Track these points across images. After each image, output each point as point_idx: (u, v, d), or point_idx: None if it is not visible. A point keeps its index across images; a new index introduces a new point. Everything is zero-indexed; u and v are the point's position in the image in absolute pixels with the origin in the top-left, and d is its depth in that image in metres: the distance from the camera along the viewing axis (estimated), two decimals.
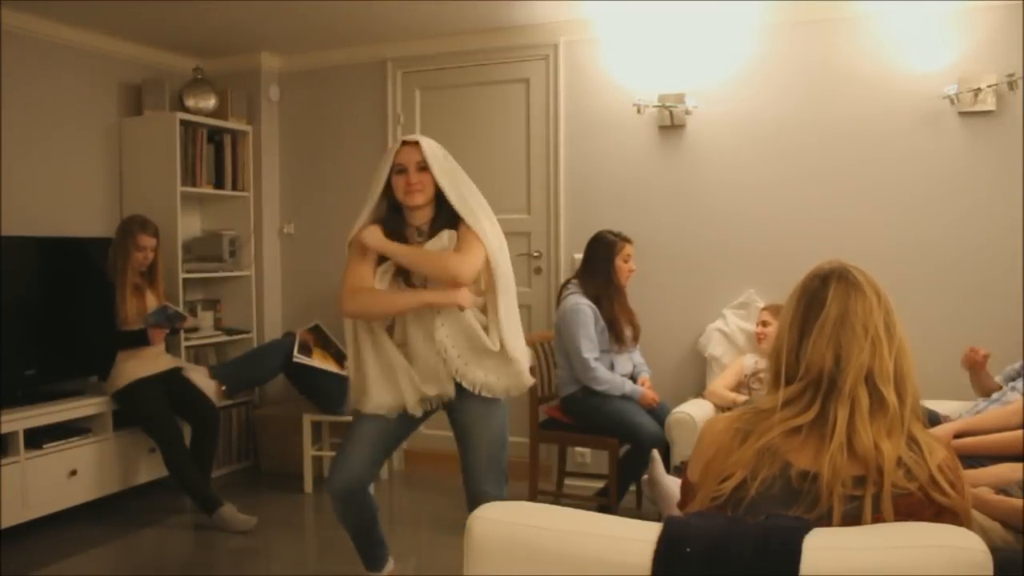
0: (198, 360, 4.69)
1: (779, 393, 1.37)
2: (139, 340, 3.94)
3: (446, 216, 2.58)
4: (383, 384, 2.60)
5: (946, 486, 1.27)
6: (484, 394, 2.60)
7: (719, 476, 1.34)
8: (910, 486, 1.26)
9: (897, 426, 1.31)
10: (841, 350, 1.34)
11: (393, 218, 2.62)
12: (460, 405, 2.66)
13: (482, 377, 2.59)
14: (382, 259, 2.58)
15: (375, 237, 2.54)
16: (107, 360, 3.96)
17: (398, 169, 2.55)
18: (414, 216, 2.59)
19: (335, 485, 2.63)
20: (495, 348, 2.56)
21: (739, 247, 4.11)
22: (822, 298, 1.38)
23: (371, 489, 2.74)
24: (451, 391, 2.62)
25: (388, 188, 2.60)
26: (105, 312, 3.93)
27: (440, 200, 2.58)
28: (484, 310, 2.61)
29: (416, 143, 2.56)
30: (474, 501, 2.64)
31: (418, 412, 2.65)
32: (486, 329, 2.59)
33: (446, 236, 2.55)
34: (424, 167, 2.53)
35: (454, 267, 2.46)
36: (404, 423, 2.71)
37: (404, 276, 2.56)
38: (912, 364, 1.37)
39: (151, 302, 4.07)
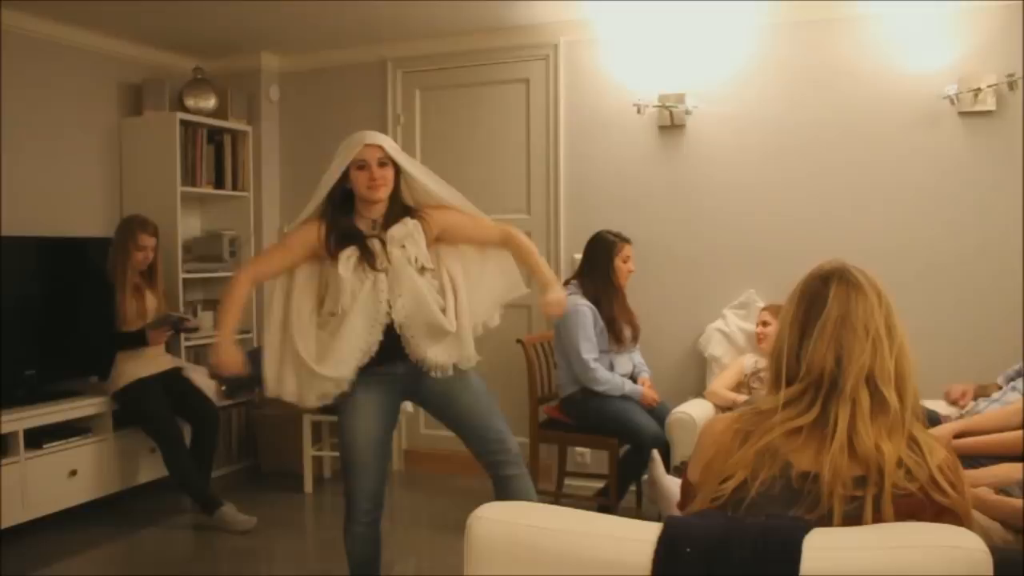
0: (198, 360, 4.69)
1: (780, 394, 1.37)
2: (137, 341, 3.94)
3: (398, 208, 2.66)
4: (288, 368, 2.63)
5: (947, 487, 1.27)
6: (435, 375, 2.62)
7: (719, 477, 1.34)
8: (910, 487, 1.26)
9: (898, 427, 1.31)
10: (842, 351, 1.34)
11: (340, 216, 2.65)
12: (427, 387, 2.67)
13: (439, 357, 2.62)
14: (336, 247, 2.60)
15: (559, 297, 2.85)
16: (107, 360, 3.96)
17: (358, 165, 2.59)
18: (371, 210, 2.65)
19: (362, 516, 2.65)
20: (451, 328, 2.60)
21: (739, 247, 4.11)
22: (823, 298, 1.38)
23: None
24: (335, 389, 2.60)
25: (334, 187, 2.66)
26: (105, 312, 3.92)
27: (393, 194, 2.65)
28: (442, 291, 2.65)
29: (376, 144, 2.61)
30: (486, 444, 2.64)
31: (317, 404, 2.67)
32: (443, 309, 2.62)
33: (411, 223, 2.62)
34: (384, 162, 2.59)
35: (523, 239, 2.77)
36: (389, 420, 2.72)
37: (368, 261, 2.58)
38: (912, 364, 1.37)
39: (151, 302, 4.07)
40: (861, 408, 1.31)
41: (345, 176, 2.62)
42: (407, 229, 2.61)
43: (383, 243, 2.60)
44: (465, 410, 2.67)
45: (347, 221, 2.64)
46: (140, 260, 4.02)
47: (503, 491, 2.64)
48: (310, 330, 2.62)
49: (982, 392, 3.15)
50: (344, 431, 2.65)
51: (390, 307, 2.57)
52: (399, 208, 2.66)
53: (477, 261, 2.76)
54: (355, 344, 2.57)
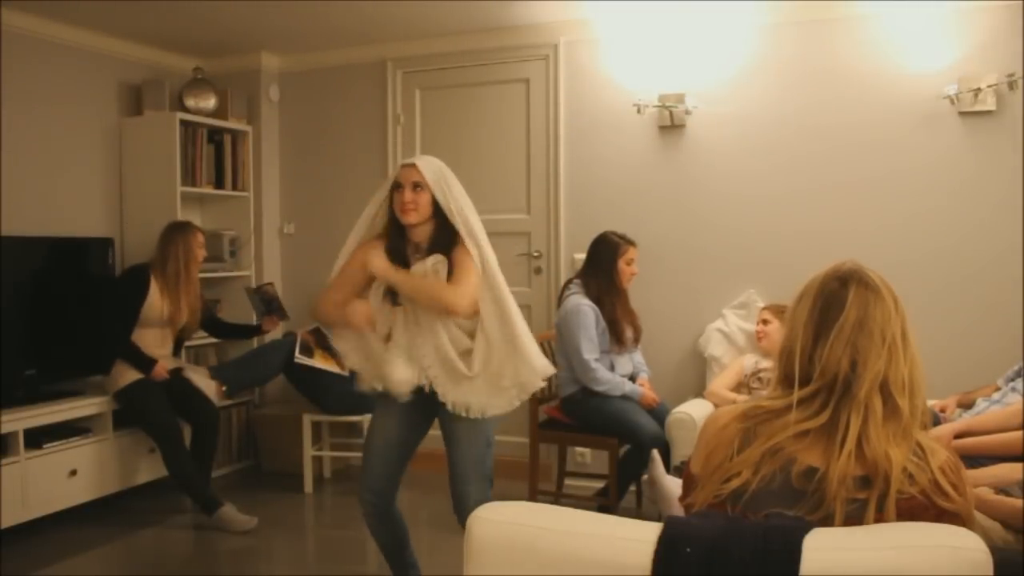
0: (198, 360, 4.69)
1: (793, 394, 1.35)
2: (144, 367, 3.92)
3: (446, 234, 2.59)
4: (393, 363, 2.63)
5: (949, 489, 1.26)
6: (460, 413, 2.61)
7: (723, 475, 1.34)
8: (912, 490, 1.25)
9: (907, 434, 1.30)
10: (858, 355, 1.32)
11: (396, 235, 2.64)
12: (441, 416, 2.70)
13: (459, 397, 2.60)
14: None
15: (379, 263, 2.56)
16: (113, 354, 3.94)
17: (395, 186, 2.59)
18: (414, 233, 2.62)
19: (365, 498, 2.74)
20: (469, 374, 2.56)
21: (739, 247, 4.11)
22: (841, 301, 1.35)
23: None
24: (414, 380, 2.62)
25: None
26: (129, 307, 3.90)
27: (441, 219, 2.59)
28: (472, 334, 2.60)
29: (413, 164, 2.59)
30: (456, 500, 2.69)
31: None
32: (469, 352, 2.58)
33: (430, 261, 2.56)
34: (419, 186, 2.55)
35: (449, 299, 2.47)
36: (411, 427, 2.76)
37: (393, 294, 2.59)
38: (923, 372, 1.35)
39: (186, 308, 4.08)
40: (874, 415, 1.30)
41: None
42: (426, 267, 2.55)
43: None
44: (454, 458, 2.70)
45: (397, 244, 2.62)
46: (202, 257, 4.11)
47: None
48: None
49: (966, 400, 3.15)
50: (370, 425, 2.79)
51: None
52: (445, 234, 2.58)
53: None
54: (402, 376, 2.58)
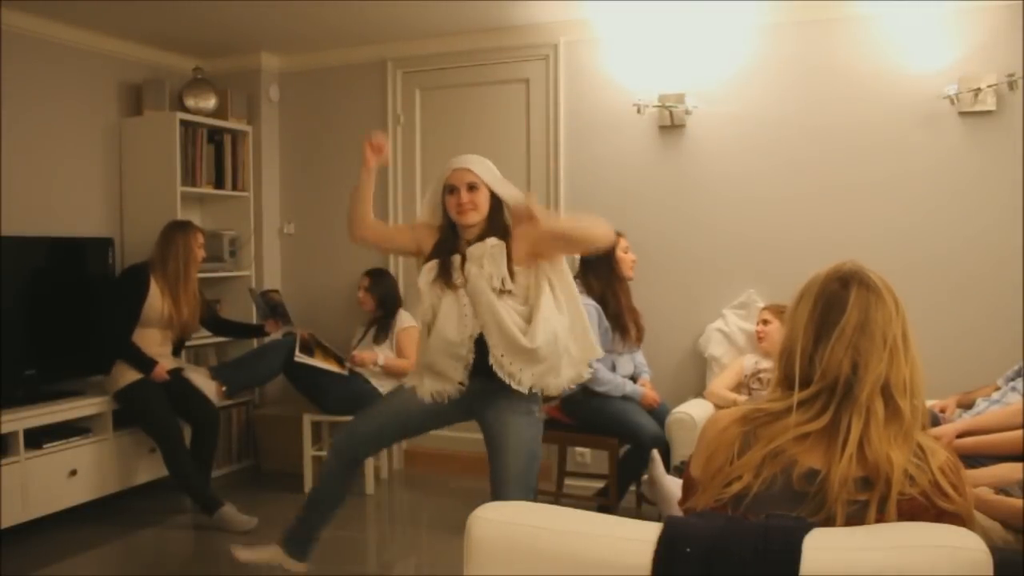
0: (198, 360, 4.70)
1: (793, 396, 1.34)
2: (145, 367, 3.92)
3: (496, 228, 2.65)
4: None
5: (949, 490, 1.26)
6: (514, 386, 2.59)
7: (724, 478, 1.33)
8: (912, 491, 1.25)
9: (908, 436, 1.30)
10: (859, 358, 1.32)
11: (448, 234, 2.71)
12: (492, 413, 2.67)
13: (527, 376, 2.59)
14: (428, 259, 2.69)
15: (539, 209, 2.55)
16: (114, 354, 3.94)
17: (448, 189, 2.64)
18: (467, 232, 2.67)
19: (341, 437, 2.79)
20: (532, 346, 2.54)
21: (739, 247, 4.11)
22: (842, 302, 1.35)
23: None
24: (452, 390, 2.65)
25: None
26: (130, 308, 3.90)
27: (492, 214, 2.65)
28: (527, 318, 2.60)
29: (466, 167, 2.64)
30: (500, 490, 2.65)
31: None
32: (524, 332, 2.57)
33: (489, 243, 2.59)
34: (475, 186, 2.62)
35: (601, 229, 2.63)
36: (438, 414, 2.75)
37: (445, 277, 2.62)
38: (923, 373, 1.35)
39: (192, 312, 4.08)
40: (875, 417, 1.29)
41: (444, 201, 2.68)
42: (485, 248, 2.59)
43: (463, 259, 2.62)
44: (502, 458, 2.65)
45: (449, 237, 2.69)
46: (201, 257, 4.11)
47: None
48: (424, 339, 2.72)
49: (966, 400, 3.15)
50: (392, 391, 2.80)
51: (476, 323, 2.59)
52: (498, 228, 2.64)
53: (566, 310, 2.70)
54: (446, 355, 2.61)
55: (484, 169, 2.66)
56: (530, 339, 2.53)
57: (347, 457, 2.79)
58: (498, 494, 2.64)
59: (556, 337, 2.58)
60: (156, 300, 3.94)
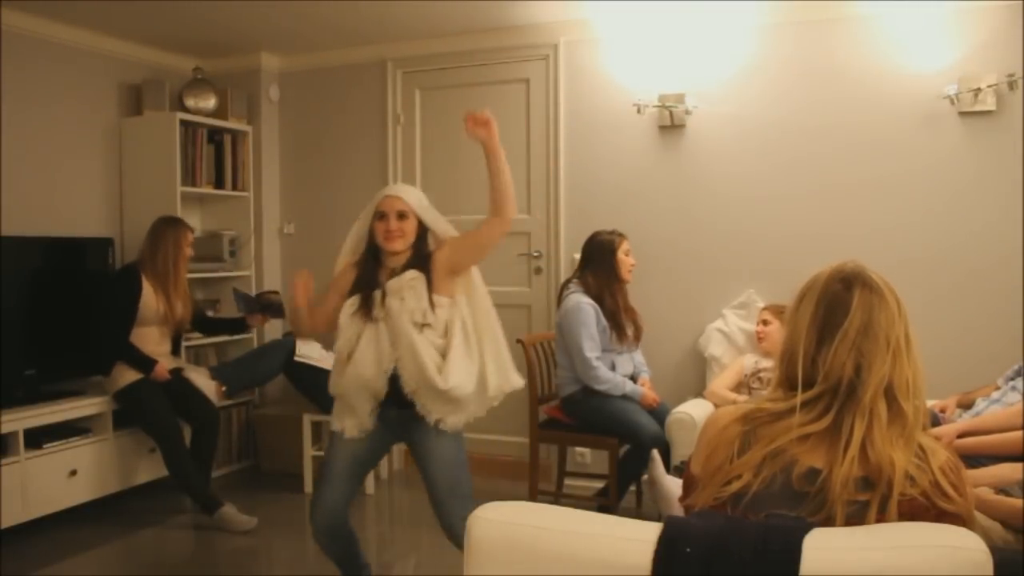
0: (198, 361, 4.69)
1: (794, 396, 1.34)
2: (144, 367, 3.92)
3: (421, 257, 2.70)
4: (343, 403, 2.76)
5: (950, 490, 1.26)
6: (440, 427, 2.65)
7: (724, 477, 1.33)
8: (913, 491, 1.25)
9: (911, 437, 1.30)
10: (863, 359, 1.31)
11: (370, 262, 2.73)
12: (413, 438, 2.73)
13: (438, 411, 2.65)
14: (351, 292, 2.71)
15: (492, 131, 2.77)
16: (113, 356, 3.93)
17: (378, 216, 2.68)
18: (391, 260, 2.71)
19: (318, 522, 2.76)
20: (445, 387, 2.58)
21: (739, 247, 4.11)
22: (846, 304, 1.34)
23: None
24: (368, 422, 2.69)
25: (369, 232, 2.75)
26: (124, 309, 3.90)
27: (417, 243, 2.71)
28: (443, 351, 2.64)
29: (397, 195, 2.71)
30: (442, 520, 2.73)
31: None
32: (440, 369, 2.61)
33: (407, 276, 2.64)
34: (404, 215, 2.67)
35: (514, 205, 2.71)
36: (379, 447, 2.81)
37: (366, 310, 2.65)
38: (924, 374, 1.35)
39: (178, 305, 4.08)
40: (878, 419, 1.29)
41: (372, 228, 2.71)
42: (403, 281, 2.62)
43: (384, 293, 2.65)
44: (430, 479, 2.72)
45: (369, 268, 2.72)
46: (189, 256, 4.10)
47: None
48: (338, 373, 2.73)
49: (966, 400, 3.15)
50: (331, 443, 2.79)
51: (393, 357, 2.62)
52: (421, 257, 2.70)
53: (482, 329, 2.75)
54: (361, 389, 2.64)
55: (415, 198, 2.72)
56: (444, 379, 2.58)
57: (328, 526, 2.77)
58: (438, 511, 2.72)
59: (466, 382, 2.63)
60: (150, 298, 3.94)
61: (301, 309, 2.82)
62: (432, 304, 2.62)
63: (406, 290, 2.61)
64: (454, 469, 2.71)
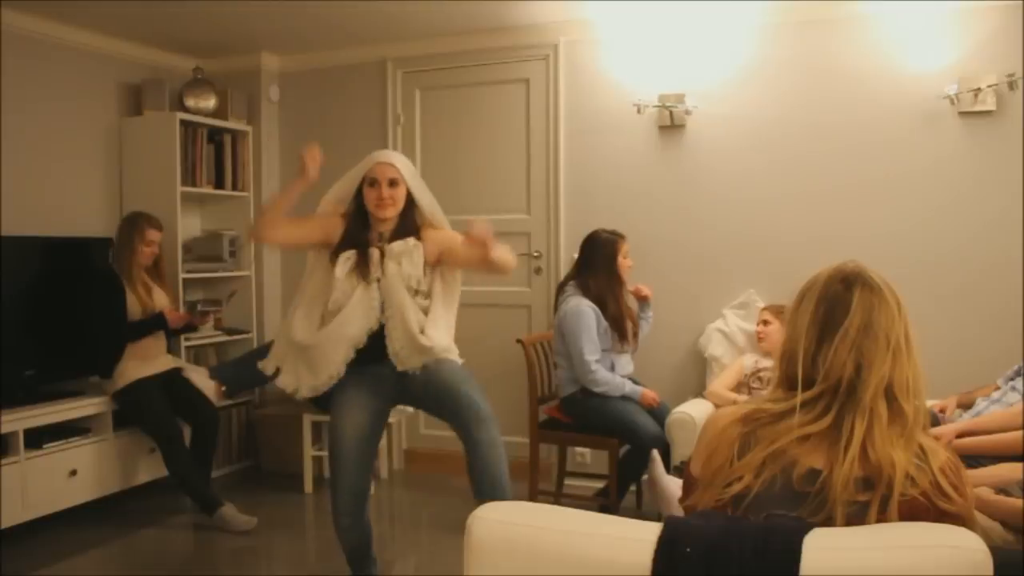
0: (198, 360, 4.69)
1: (794, 396, 1.34)
2: (157, 325, 3.96)
3: (408, 225, 2.77)
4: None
5: (949, 490, 1.26)
6: (412, 372, 2.74)
7: (724, 479, 1.33)
8: (913, 491, 1.25)
9: (911, 437, 1.30)
10: (863, 359, 1.31)
11: (358, 224, 2.77)
12: (419, 381, 2.76)
13: (408, 360, 2.74)
14: (340, 247, 2.74)
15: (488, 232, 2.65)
16: (114, 357, 3.94)
17: (370, 182, 2.72)
18: (380, 224, 2.76)
19: (342, 506, 2.76)
20: (430, 344, 2.69)
21: (739, 247, 4.11)
22: (846, 304, 1.34)
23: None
24: (324, 385, 2.75)
25: (359, 195, 2.77)
26: (111, 311, 3.91)
27: (405, 212, 2.76)
28: (426, 311, 2.76)
29: (391, 162, 2.74)
30: (463, 407, 2.68)
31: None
32: (422, 329, 2.71)
33: (411, 242, 2.73)
34: (396, 182, 2.71)
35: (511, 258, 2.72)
36: (379, 416, 2.83)
37: (361, 269, 2.70)
38: (924, 374, 1.35)
39: (160, 297, 4.08)
40: (879, 419, 1.29)
41: (361, 190, 2.74)
42: (407, 247, 2.71)
43: (383, 254, 2.71)
44: (442, 383, 2.72)
45: (359, 227, 2.76)
46: (148, 256, 4.06)
47: (471, 456, 2.71)
48: (313, 324, 2.75)
49: (966, 400, 3.15)
50: (333, 427, 2.78)
51: (382, 315, 2.69)
52: (409, 225, 2.77)
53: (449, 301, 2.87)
54: (336, 345, 2.68)
55: (406, 167, 2.76)
56: (427, 338, 2.68)
57: (352, 508, 2.77)
58: (458, 401, 2.67)
59: (444, 337, 2.76)
60: (132, 298, 3.97)
61: (276, 209, 2.76)
62: (424, 273, 2.73)
63: (405, 256, 2.69)
64: (460, 370, 2.76)
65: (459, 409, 2.69)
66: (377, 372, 2.75)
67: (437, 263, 2.79)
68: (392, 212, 2.73)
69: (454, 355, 2.81)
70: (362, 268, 2.69)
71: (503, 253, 2.66)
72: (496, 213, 4.35)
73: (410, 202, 2.77)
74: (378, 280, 2.70)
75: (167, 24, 4.33)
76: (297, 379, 2.78)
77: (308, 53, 4.98)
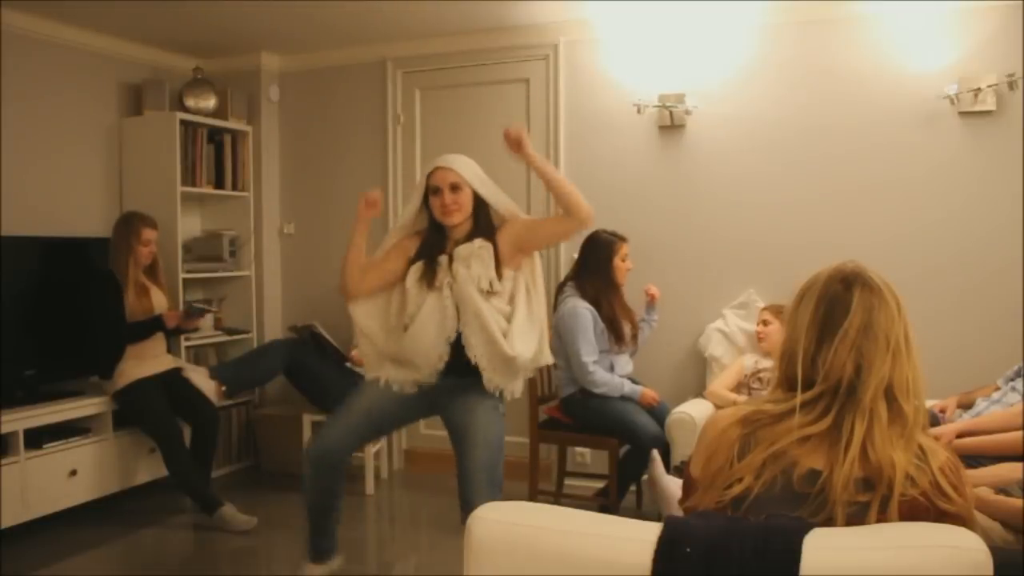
0: (198, 360, 4.69)
1: (793, 397, 1.34)
2: (156, 327, 3.95)
3: (483, 227, 2.68)
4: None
5: (949, 490, 1.26)
6: (488, 387, 2.66)
7: (724, 480, 1.33)
8: (913, 492, 1.25)
9: (911, 437, 1.30)
10: (863, 360, 1.31)
11: (434, 234, 2.72)
12: (458, 408, 2.70)
13: (502, 380, 2.67)
14: (414, 260, 2.70)
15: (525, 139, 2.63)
16: (114, 357, 3.93)
17: (432, 190, 2.66)
18: (453, 232, 2.70)
19: (314, 446, 2.74)
20: (512, 353, 2.60)
21: (739, 247, 4.11)
22: (845, 304, 1.34)
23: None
24: (412, 385, 2.71)
25: (427, 206, 2.72)
26: (110, 312, 3.91)
27: (477, 213, 2.68)
28: (509, 317, 2.67)
29: (449, 167, 2.67)
30: (465, 506, 2.66)
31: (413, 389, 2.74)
32: (505, 333, 2.63)
33: (476, 243, 2.63)
34: (458, 186, 2.64)
35: (582, 202, 2.60)
36: (407, 408, 2.78)
37: (430, 277, 2.64)
38: (924, 374, 1.34)
39: (157, 297, 4.08)
40: (879, 419, 1.29)
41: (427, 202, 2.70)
42: (472, 248, 2.62)
43: (451, 260, 2.64)
44: (469, 454, 2.66)
45: (435, 239, 2.71)
46: (145, 255, 4.05)
47: (458, 481, 2.70)
48: (395, 336, 2.72)
49: (966, 400, 3.15)
50: (362, 388, 2.76)
51: (458, 323, 2.62)
52: (485, 227, 2.68)
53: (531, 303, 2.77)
54: (425, 352, 2.63)
55: (466, 168, 2.68)
56: (510, 346, 2.59)
57: (324, 464, 2.73)
58: (466, 486, 2.65)
59: (528, 349, 2.64)
60: (131, 298, 3.97)
61: (353, 264, 2.74)
62: (499, 274, 2.62)
63: (473, 257, 2.61)
64: (496, 446, 2.68)
65: (464, 484, 2.67)
66: (451, 383, 2.68)
67: (517, 260, 2.68)
68: (459, 217, 2.65)
69: (546, 361, 2.74)
70: (429, 276, 2.64)
71: (558, 175, 2.65)
72: None
73: (480, 203, 2.69)
74: (450, 287, 2.62)
75: (167, 24, 4.33)
76: (384, 372, 2.74)
77: (308, 53, 4.98)
